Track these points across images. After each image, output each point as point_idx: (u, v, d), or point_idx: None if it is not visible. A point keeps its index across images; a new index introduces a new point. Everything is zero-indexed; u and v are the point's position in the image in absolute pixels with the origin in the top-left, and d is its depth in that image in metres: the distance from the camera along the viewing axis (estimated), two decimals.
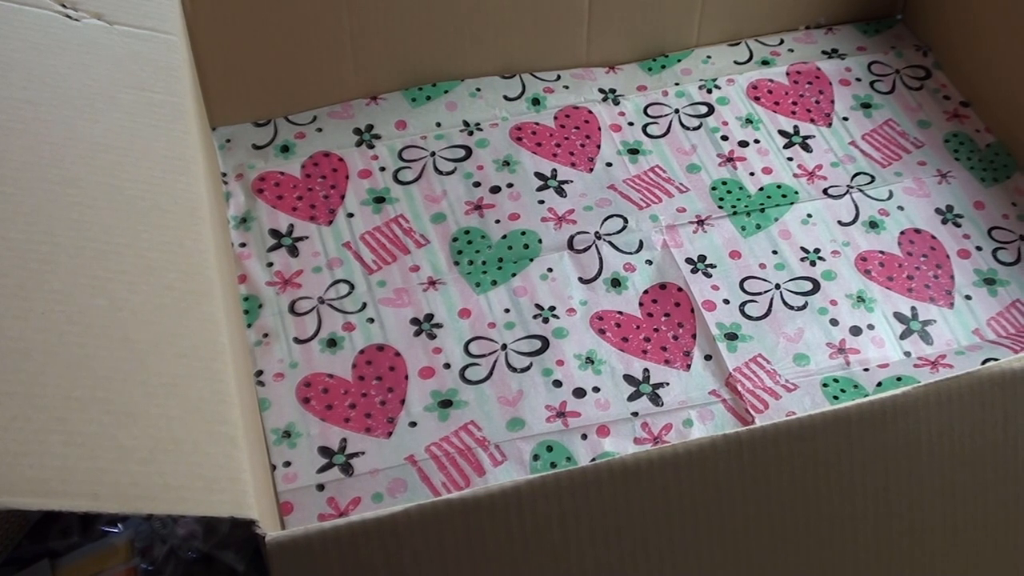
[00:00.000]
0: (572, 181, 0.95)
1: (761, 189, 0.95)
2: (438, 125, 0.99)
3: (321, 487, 0.76)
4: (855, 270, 0.89)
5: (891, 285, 0.88)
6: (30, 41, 0.70)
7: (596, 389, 0.81)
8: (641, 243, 0.90)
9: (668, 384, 0.81)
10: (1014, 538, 0.65)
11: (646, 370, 0.82)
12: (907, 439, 0.60)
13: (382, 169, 0.95)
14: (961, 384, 0.60)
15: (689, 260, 0.89)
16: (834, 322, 0.86)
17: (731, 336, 0.84)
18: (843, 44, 1.08)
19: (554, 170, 0.96)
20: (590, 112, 1.01)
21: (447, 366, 0.82)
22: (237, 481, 0.58)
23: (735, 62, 1.06)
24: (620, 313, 0.86)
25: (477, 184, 0.94)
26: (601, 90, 1.03)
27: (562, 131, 0.99)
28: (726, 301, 0.87)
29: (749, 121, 1.00)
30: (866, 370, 0.83)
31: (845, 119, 1.01)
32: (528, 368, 0.82)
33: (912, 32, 1.10)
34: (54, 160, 0.64)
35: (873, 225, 0.92)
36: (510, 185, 0.94)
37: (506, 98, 1.01)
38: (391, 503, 0.74)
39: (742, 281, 0.88)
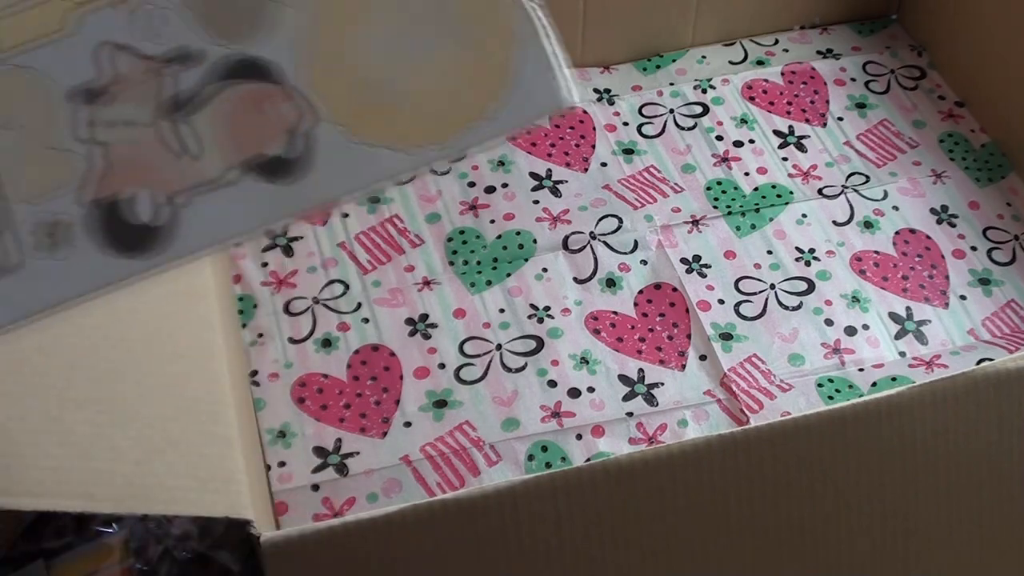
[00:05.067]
0: (567, 181, 0.95)
1: (756, 189, 0.95)
2: None
3: (316, 487, 0.76)
4: (850, 270, 0.89)
5: (886, 285, 0.88)
6: None
7: (591, 389, 0.81)
8: (636, 243, 0.90)
9: (663, 384, 0.82)
10: (1009, 537, 0.65)
11: (641, 370, 0.82)
12: (902, 439, 0.60)
13: None
14: (956, 384, 0.61)
15: (684, 260, 0.89)
16: (829, 322, 0.86)
17: (726, 336, 0.84)
18: (838, 44, 1.08)
19: (549, 170, 0.96)
20: (585, 112, 1.01)
21: (442, 366, 0.82)
22: (232, 481, 0.58)
23: (730, 62, 1.06)
24: (615, 313, 0.86)
25: (472, 184, 0.94)
26: (596, 90, 1.03)
27: (557, 131, 0.99)
28: (721, 301, 0.87)
29: (744, 121, 1.00)
30: (861, 370, 0.83)
31: (840, 119, 1.01)
32: (523, 368, 0.82)
33: (907, 32, 1.10)
34: None
35: (868, 225, 0.92)
36: (505, 185, 0.94)
37: None
38: (386, 503, 0.74)
39: (737, 281, 0.88)
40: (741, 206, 0.93)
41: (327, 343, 0.83)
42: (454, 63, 0.49)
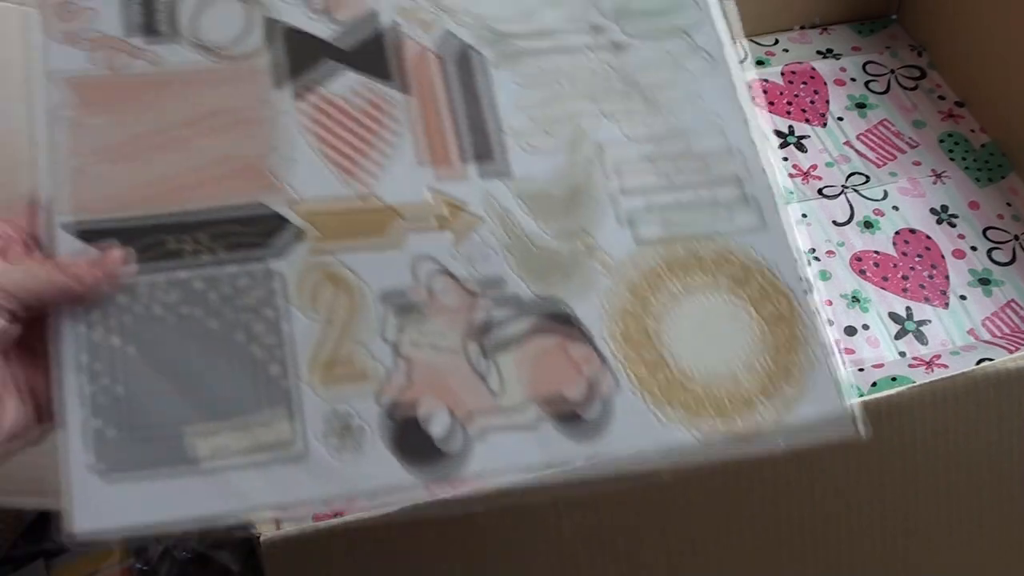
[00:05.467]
0: None
1: None
2: None
3: None
4: (850, 270, 0.89)
5: (886, 285, 0.88)
6: None
7: None
8: None
9: None
10: (1008, 537, 0.65)
11: None
12: (902, 439, 0.60)
13: None
14: (956, 384, 0.61)
15: None
16: (829, 322, 0.85)
17: None
18: (838, 44, 1.08)
19: None
20: None
21: None
22: None
23: None
24: None
25: None
26: None
27: None
28: None
29: None
30: (861, 370, 0.83)
31: (840, 119, 1.01)
32: None
33: (907, 32, 1.10)
34: None
35: (868, 225, 0.92)
36: None
37: None
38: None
39: None
40: None
41: None
42: (749, 355, 0.52)
